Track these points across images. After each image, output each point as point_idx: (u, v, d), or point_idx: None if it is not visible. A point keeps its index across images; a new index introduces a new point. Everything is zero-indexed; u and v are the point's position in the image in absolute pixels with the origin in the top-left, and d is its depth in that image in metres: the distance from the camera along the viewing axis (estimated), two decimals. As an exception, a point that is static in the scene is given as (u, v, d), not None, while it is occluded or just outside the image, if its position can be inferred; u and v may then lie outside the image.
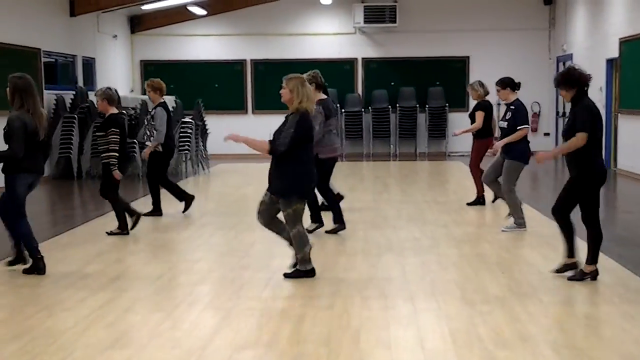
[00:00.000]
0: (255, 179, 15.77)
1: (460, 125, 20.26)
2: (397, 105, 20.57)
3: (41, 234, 9.11)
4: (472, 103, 20.66)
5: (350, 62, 21.18)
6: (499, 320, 5.71)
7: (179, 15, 20.52)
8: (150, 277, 7.17)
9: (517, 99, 9.62)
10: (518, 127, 9.26)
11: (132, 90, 20.70)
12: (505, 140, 9.28)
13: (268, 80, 21.10)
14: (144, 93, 20.08)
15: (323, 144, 8.98)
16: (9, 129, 7.05)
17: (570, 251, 6.93)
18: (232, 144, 7.19)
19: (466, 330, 5.47)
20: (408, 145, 20.78)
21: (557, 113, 20.42)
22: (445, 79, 20.64)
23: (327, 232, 9.13)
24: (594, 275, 6.78)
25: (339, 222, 9.20)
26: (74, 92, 16.48)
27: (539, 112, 20.95)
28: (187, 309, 6.16)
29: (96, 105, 9.31)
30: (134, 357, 5.00)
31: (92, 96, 16.25)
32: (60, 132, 15.49)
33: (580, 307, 6.34)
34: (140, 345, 5.23)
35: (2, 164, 7.28)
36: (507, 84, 9.67)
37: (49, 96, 15.66)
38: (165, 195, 10.62)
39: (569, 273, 6.90)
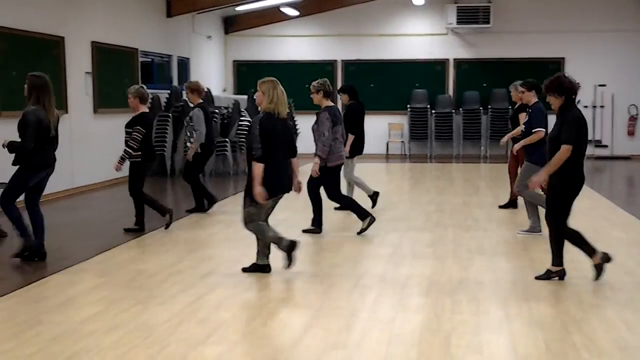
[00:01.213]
0: (342, 178, 15.83)
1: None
2: (489, 106, 20.31)
3: (134, 230, 9.39)
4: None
5: (441, 63, 21.02)
6: (594, 327, 5.56)
7: (271, 16, 20.75)
8: (241, 274, 7.25)
9: (538, 102, 9.47)
10: (533, 130, 9.17)
11: (224, 90, 21.03)
12: (522, 142, 9.25)
13: (359, 81, 21.11)
14: (236, 93, 20.48)
15: (331, 152, 9.03)
16: (24, 121, 7.50)
17: (592, 251, 6.95)
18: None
19: (560, 338, 5.34)
20: (499, 147, 20.44)
21: (656, 116, 19.80)
22: (539, 81, 20.14)
23: (303, 230, 9.24)
24: (560, 275, 6.94)
25: (368, 216, 9.21)
26: (168, 91, 16.85)
27: (637, 115, 20.34)
28: (277, 307, 6.21)
29: (129, 102, 9.48)
30: (226, 353, 5.07)
31: (185, 95, 16.63)
32: (154, 130, 15.83)
33: (681, 317, 6.12)
34: (232, 342, 5.30)
35: (13, 155, 7.69)
36: (533, 86, 9.52)
37: (145, 95, 16.03)
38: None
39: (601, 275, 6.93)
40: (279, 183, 7.17)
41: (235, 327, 5.65)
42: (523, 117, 10.52)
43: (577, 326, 5.59)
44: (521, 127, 10.24)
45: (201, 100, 10.87)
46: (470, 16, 20.02)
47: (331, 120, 8.99)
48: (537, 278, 6.99)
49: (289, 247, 7.13)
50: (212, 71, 20.38)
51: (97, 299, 6.37)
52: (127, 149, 9.25)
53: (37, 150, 7.57)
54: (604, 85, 20.25)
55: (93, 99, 13.88)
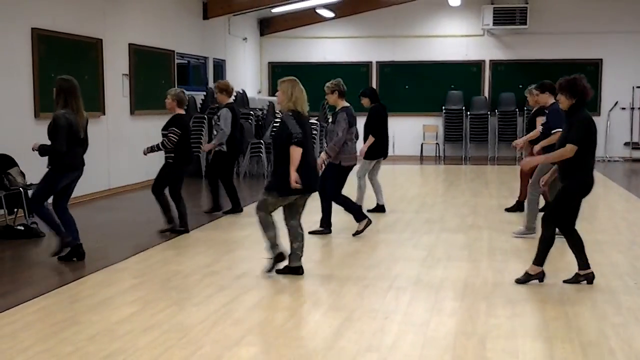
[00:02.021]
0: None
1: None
2: (525, 108, 20.12)
3: (170, 232, 9.46)
4: (605, 107, 20.15)
5: (477, 65, 20.89)
6: (632, 333, 5.50)
7: (307, 17, 20.79)
8: (274, 276, 7.26)
9: (555, 103, 9.20)
10: (552, 131, 9.04)
11: (259, 92, 21.11)
12: (542, 143, 9.15)
13: (394, 82, 21.08)
14: (271, 95, 20.51)
15: (345, 152, 9.11)
16: (54, 125, 7.62)
17: (584, 262, 7.00)
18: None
19: (597, 343, 5.27)
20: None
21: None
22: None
23: (310, 232, 9.13)
24: (589, 278, 6.93)
25: (365, 218, 9.28)
26: (204, 93, 16.95)
27: (675, 117, 20.08)
28: (311, 309, 6.22)
29: (166, 103, 9.61)
30: (260, 355, 5.09)
31: (215, 95, 16.71)
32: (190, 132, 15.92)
33: None
34: (266, 344, 5.32)
35: (46, 157, 7.83)
36: (547, 87, 9.45)
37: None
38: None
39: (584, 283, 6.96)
40: (306, 182, 7.10)
41: (270, 329, 5.67)
42: (540, 121, 10.56)
43: (615, 331, 5.52)
44: (538, 130, 10.26)
45: (230, 100, 10.92)
46: (507, 17, 19.88)
47: (347, 122, 9.08)
48: (565, 281, 7.00)
49: (277, 258, 7.24)
50: (247, 73, 20.47)
51: (133, 299, 6.43)
52: (160, 144, 9.37)
53: (66, 153, 7.69)
54: (643, 87, 19.99)
55: (130, 100, 14.01)
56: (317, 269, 7.65)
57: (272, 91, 21.17)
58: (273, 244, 7.25)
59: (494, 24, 19.92)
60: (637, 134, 20.27)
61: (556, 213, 6.90)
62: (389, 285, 6.90)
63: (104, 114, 13.04)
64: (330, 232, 9.40)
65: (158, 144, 9.41)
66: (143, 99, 14.37)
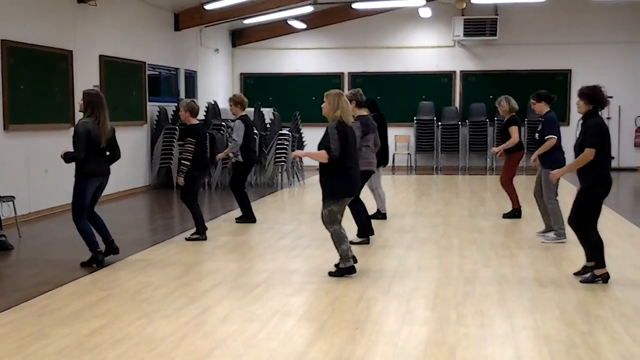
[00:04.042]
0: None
1: (563, 141, 19.92)
2: (495, 118, 20.30)
3: (141, 243, 9.44)
4: (574, 117, 20.36)
5: (448, 75, 21.04)
6: (600, 341, 5.55)
7: (279, 29, 20.82)
8: (246, 286, 7.27)
9: (550, 111, 9.91)
10: (546, 137, 9.56)
11: (231, 103, 21.05)
12: (538, 151, 9.61)
13: (365, 93, 21.07)
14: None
15: (361, 157, 9.10)
16: (74, 133, 8.12)
17: (603, 263, 7.33)
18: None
19: (566, 351, 5.32)
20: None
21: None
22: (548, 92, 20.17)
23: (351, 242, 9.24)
24: (604, 278, 7.27)
25: (365, 237, 9.54)
26: (176, 104, 16.88)
27: (645, 126, 20.34)
28: (283, 320, 6.21)
29: (180, 115, 10.00)
30: (230, 366, 5.08)
31: (229, 108, 16.70)
32: (162, 142, 15.89)
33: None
34: (237, 355, 5.30)
35: (71, 164, 8.21)
36: (543, 97, 9.95)
37: (152, 107, 16.11)
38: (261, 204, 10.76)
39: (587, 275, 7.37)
40: (355, 185, 7.76)
41: (241, 340, 5.65)
42: (514, 130, 11.09)
43: (583, 339, 5.58)
44: (515, 138, 11.11)
45: (243, 112, 11.18)
46: (477, 28, 20.05)
47: (362, 130, 9.34)
48: (582, 281, 7.34)
49: (347, 270, 7.65)
50: (219, 84, 20.45)
51: (102, 312, 6.39)
52: (183, 161, 9.57)
53: (87, 160, 8.07)
54: (610, 97, 20.08)
55: (100, 112, 13.90)
56: (289, 280, 7.64)
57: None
58: (346, 256, 7.63)
59: (465, 35, 20.08)
60: (606, 143, 20.48)
61: (581, 214, 7.29)
62: (360, 295, 6.91)
63: (74, 125, 12.93)
64: (368, 242, 9.56)
65: (182, 165, 9.56)
66: (114, 111, 14.13)
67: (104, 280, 7.64)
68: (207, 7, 16.35)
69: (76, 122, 8.35)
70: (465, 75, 21.01)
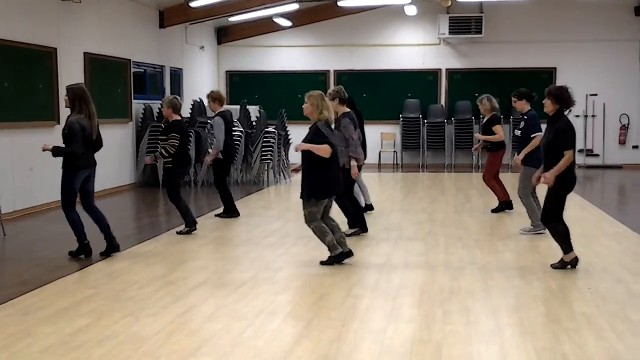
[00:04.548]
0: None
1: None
2: (481, 116, 20.33)
3: (126, 241, 9.40)
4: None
5: (433, 73, 21.07)
6: (585, 338, 5.57)
7: (264, 26, 20.78)
8: (232, 285, 7.25)
9: (531, 110, 10.15)
10: (532, 135, 9.75)
11: (217, 100, 21.00)
12: (524, 151, 9.78)
13: (351, 90, 21.09)
14: (229, 103, 20.42)
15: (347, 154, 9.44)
16: (69, 131, 8.21)
17: (570, 249, 7.76)
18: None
19: (551, 348, 5.34)
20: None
21: (648, 125, 19.89)
22: (531, 91, 20.17)
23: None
24: (573, 263, 7.72)
25: (356, 227, 9.76)
26: (161, 102, 16.82)
27: (628, 124, 20.42)
28: (269, 318, 6.20)
29: (162, 112, 10.24)
30: (216, 364, 5.07)
31: (207, 104, 16.65)
32: (147, 140, 15.83)
33: (671, 327, 6.12)
34: (223, 354, 5.29)
35: (61, 158, 8.39)
36: (524, 95, 10.21)
37: (137, 105, 16.05)
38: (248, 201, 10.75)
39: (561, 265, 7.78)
40: (335, 185, 7.98)
41: (226, 339, 5.64)
42: (498, 129, 11.42)
43: (568, 336, 5.60)
44: (501, 136, 11.45)
45: (222, 109, 11.23)
46: (463, 26, 20.08)
47: (352, 125, 9.50)
48: (552, 266, 7.79)
49: (339, 257, 7.98)
50: (204, 81, 20.38)
51: (87, 310, 6.36)
52: (162, 151, 9.79)
53: (80, 156, 8.27)
54: (595, 95, 20.31)
55: (85, 109, 13.83)
56: (275, 278, 7.64)
57: (230, 99, 21.12)
58: (333, 246, 7.94)
59: (450, 32, 20.10)
60: (591, 141, 20.59)
61: (549, 210, 7.70)
62: (346, 293, 6.91)
63: (59, 123, 12.86)
64: (366, 230, 9.87)
65: (160, 152, 9.83)
66: (99, 108, 14.03)
67: (89, 279, 7.61)
68: (192, 4, 16.27)
69: (65, 119, 8.44)
70: (451, 73, 21.04)
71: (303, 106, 7.99)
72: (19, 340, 5.53)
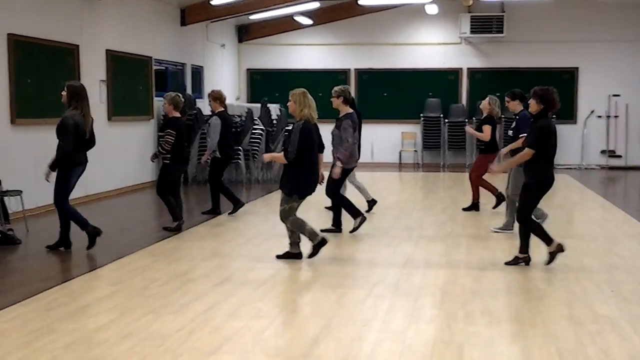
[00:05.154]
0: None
1: (569, 139, 19.85)
2: (502, 116, 20.24)
3: (148, 238, 9.45)
4: (582, 115, 20.34)
5: (454, 72, 21.00)
6: (608, 340, 5.53)
7: (285, 25, 20.80)
8: (253, 283, 7.25)
9: (523, 110, 10.07)
10: (520, 135, 9.69)
11: (238, 98, 21.06)
12: (509, 147, 9.82)
13: (372, 89, 21.14)
14: (250, 101, 20.50)
15: (350, 155, 9.66)
16: (62, 126, 8.33)
17: (549, 240, 7.86)
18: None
19: (574, 350, 5.30)
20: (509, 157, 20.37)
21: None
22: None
23: (351, 232, 9.81)
24: (559, 248, 7.86)
25: (360, 215, 9.88)
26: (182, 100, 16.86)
27: (652, 124, 20.28)
28: (290, 317, 6.20)
29: (163, 108, 10.39)
30: (238, 362, 5.07)
31: (199, 103, 16.66)
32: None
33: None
34: (244, 352, 5.29)
35: (57, 164, 8.46)
36: (517, 95, 10.22)
37: (158, 102, 16.08)
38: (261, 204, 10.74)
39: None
40: (311, 184, 8.15)
41: (248, 337, 5.64)
42: (488, 128, 11.60)
43: (592, 338, 5.56)
44: (487, 136, 11.55)
45: (222, 108, 11.30)
46: (484, 25, 20.01)
47: (352, 128, 9.57)
48: (506, 263, 7.94)
49: (320, 244, 8.08)
50: (225, 79, 20.42)
51: (109, 307, 6.39)
52: (160, 149, 9.95)
53: (75, 152, 8.40)
54: (618, 95, 20.17)
55: (107, 106, 13.93)
56: (295, 276, 7.64)
57: (251, 98, 21.16)
58: (313, 234, 8.08)
59: (471, 32, 20.04)
60: (613, 141, 20.45)
61: (523, 209, 7.80)
62: (367, 292, 6.90)
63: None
64: (341, 231, 9.93)
65: (158, 149, 10.00)
66: (120, 105, 14.30)
67: (111, 276, 7.64)
68: (214, 2, 16.34)
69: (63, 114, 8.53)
70: (472, 72, 20.97)
71: (288, 104, 8.23)
72: (42, 335, 5.57)
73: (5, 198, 9.59)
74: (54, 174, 8.52)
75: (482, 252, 8.81)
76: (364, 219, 9.86)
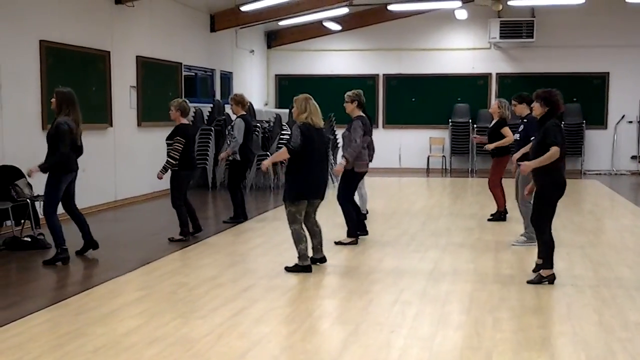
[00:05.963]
0: (382, 192, 15.78)
1: (599, 144, 19.68)
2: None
3: (175, 244, 9.50)
4: (612, 120, 20.14)
5: (484, 78, 20.90)
6: (639, 347, 5.47)
7: (314, 30, 20.84)
8: (280, 288, 7.27)
9: (530, 113, 9.77)
10: (531, 138, 9.28)
11: (266, 104, 21.14)
12: (522, 151, 9.63)
13: (400, 95, 21.11)
14: (278, 107, 20.55)
15: (361, 159, 9.58)
16: (56, 131, 8.27)
17: (551, 264, 7.51)
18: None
19: (604, 358, 5.25)
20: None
21: None
22: (583, 96, 19.96)
23: (336, 243, 9.55)
24: (551, 279, 7.40)
25: (354, 237, 9.64)
26: (211, 105, 16.99)
27: (682, 130, 20.04)
28: (317, 322, 6.21)
29: (170, 114, 10.02)
30: (265, 367, 5.08)
31: (228, 109, 16.73)
32: (197, 143, 15.96)
33: None
34: (271, 357, 5.31)
35: (50, 167, 8.36)
36: (525, 99, 10.08)
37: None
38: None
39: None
40: (312, 189, 8.01)
41: (275, 342, 5.66)
42: (506, 132, 11.50)
43: (622, 345, 5.50)
44: (511, 138, 11.32)
45: (244, 112, 11.29)
46: (514, 30, 19.90)
47: (362, 130, 9.51)
48: (528, 282, 7.43)
49: (303, 268, 7.92)
50: (254, 85, 20.52)
51: (138, 311, 6.44)
52: (168, 159, 9.65)
53: (66, 158, 8.36)
54: (648, 101, 19.97)
55: (137, 112, 14.05)
56: (323, 281, 7.64)
57: (279, 103, 21.22)
58: (303, 255, 7.95)
59: (501, 37, 19.94)
60: (644, 147, 20.24)
61: (539, 214, 7.46)
62: (395, 298, 6.89)
63: (111, 125, 13.08)
64: (367, 233, 9.97)
65: (167, 163, 9.68)
66: (150, 111, 14.41)
67: (139, 280, 7.69)
68: (243, 8, 16.41)
69: (54, 121, 8.47)
70: (501, 77, 20.85)
71: (292, 110, 8.21)
72: (72, 339, 5.62)
73: (36, 203, 9.69)
74: (38, 173, 8.42)
75: (510, 258, 8.76)
76: (354, 243, 9.57)
